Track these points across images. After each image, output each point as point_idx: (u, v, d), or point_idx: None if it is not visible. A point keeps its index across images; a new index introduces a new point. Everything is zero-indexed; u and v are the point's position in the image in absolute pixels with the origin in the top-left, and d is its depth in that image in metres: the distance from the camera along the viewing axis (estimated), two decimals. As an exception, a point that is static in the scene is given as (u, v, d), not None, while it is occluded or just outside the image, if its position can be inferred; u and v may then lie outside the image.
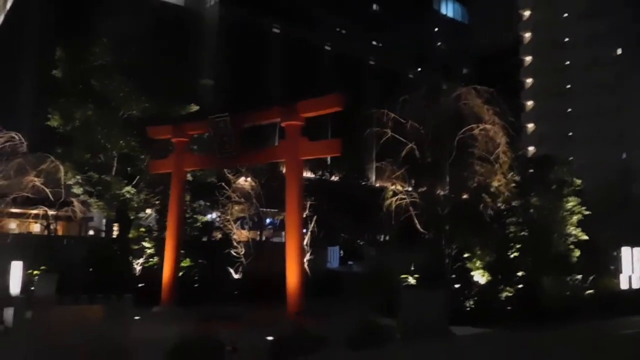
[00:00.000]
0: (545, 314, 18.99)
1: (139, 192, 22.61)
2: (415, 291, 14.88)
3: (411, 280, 21.58)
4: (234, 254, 22.58)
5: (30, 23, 45.95)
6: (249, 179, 23.25)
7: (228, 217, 22.55)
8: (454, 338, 14.80)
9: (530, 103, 78.99)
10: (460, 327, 16.58)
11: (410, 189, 22.42)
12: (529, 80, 79.87)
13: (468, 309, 19.22)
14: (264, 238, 25.01)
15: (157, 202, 24.27)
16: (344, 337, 13.08)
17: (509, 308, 19.99)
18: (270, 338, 12.92)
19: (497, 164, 20.53)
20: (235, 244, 22.71)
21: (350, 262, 38.21)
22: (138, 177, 22.43)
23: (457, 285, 23.03)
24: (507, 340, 15.78)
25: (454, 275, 24.06)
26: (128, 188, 22.02)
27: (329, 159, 64.48)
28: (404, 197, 21.83)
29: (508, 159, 21.00)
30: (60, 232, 30.43)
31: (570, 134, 70.58)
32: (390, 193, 21.97)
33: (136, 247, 23.82)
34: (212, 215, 27.81)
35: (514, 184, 23.11)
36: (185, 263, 24.27)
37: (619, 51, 68.83)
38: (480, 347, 14.45)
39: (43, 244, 22.57)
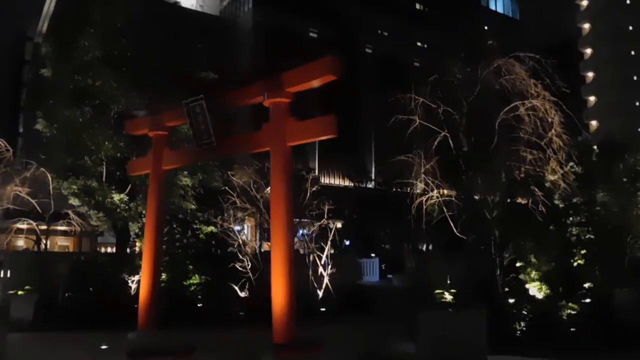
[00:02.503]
0: (621, 337, 14.78)
1: (132, 200, 19.92)
2: (439, 313, 11.36)
3: (447, 297, 17.82)
4: (240, 268, 19.53)
5: (17, 16, 44.74)
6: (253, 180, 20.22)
7: (231, 225, 19.63)
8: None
9: (592, 98, 72.82)
10: (507, 356, 12.80)
11: (445, 189, 18.70)
12: (590, 74, 73.73)
13: (519, 332, 15.24)
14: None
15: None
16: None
17: (572, 330, 15.86)
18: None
19: (549, 150, 16.57)
20: (241, 256, 19.66)
21: (389, 276, 34.57)
22: (131, 183, 19.72)
23: (511, 301, 19.25)
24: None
25: (507, 289, 20.30)
26: (120, 196, 19.36)
27: (373, 170, 61.06)
28: (436, 196, 18.18)
29: (564, 144, 16.97)
30: (70, 249, 28.39)
31: (640, 129, 64.18)
32: (420, 192, 18.38)
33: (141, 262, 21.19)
34: (238, 228, 24.90)
35: (574, 177, 19.02)
36: (195, 280, 21.49)
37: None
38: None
39: (32, 262, 20.28)
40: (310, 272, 21.33)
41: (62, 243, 29.01)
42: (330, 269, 21.65)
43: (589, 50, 74.27)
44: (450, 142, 18.11)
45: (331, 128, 11.24)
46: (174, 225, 20.64)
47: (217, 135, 13.13)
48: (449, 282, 18.56)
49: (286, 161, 11.94)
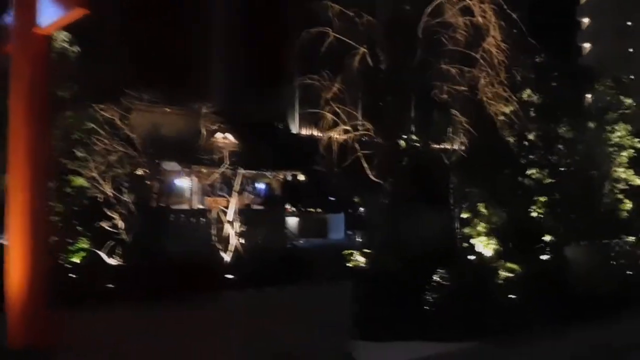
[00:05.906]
0: (569, 307, 10.88)
1: None
2: (259, 291, 7.56)
3: (359, 259, 14.01)
4: (108, 228, 15.61)
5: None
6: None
7: (94, 174, 15.59)
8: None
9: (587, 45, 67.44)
10: (406, 342, 9.02)
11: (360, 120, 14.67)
12: None
13: (429, 307, 11.41)
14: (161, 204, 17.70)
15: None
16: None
17: (512, 297, 12.04)
18: None
19: (484, 64, 12.48)
20: (109, 213, 15.69)
21: (350, 232, 31.09)
22: None
23: (471, 258, 15.84)
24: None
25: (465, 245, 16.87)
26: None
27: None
28: (348, 129, 14.24)
29: (505, 60, 12.85)
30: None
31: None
32: (329, 124, 14.44)
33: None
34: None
35: (529, 105, 15.08)
36: (83, 244, 17.70)
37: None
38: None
39: None
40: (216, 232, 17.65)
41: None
42: (240, 227, 17.84)
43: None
44: (369, 59, 14.04)
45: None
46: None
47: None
48: (359, 240, 14.74)
49: (35, 60, 7.78)
